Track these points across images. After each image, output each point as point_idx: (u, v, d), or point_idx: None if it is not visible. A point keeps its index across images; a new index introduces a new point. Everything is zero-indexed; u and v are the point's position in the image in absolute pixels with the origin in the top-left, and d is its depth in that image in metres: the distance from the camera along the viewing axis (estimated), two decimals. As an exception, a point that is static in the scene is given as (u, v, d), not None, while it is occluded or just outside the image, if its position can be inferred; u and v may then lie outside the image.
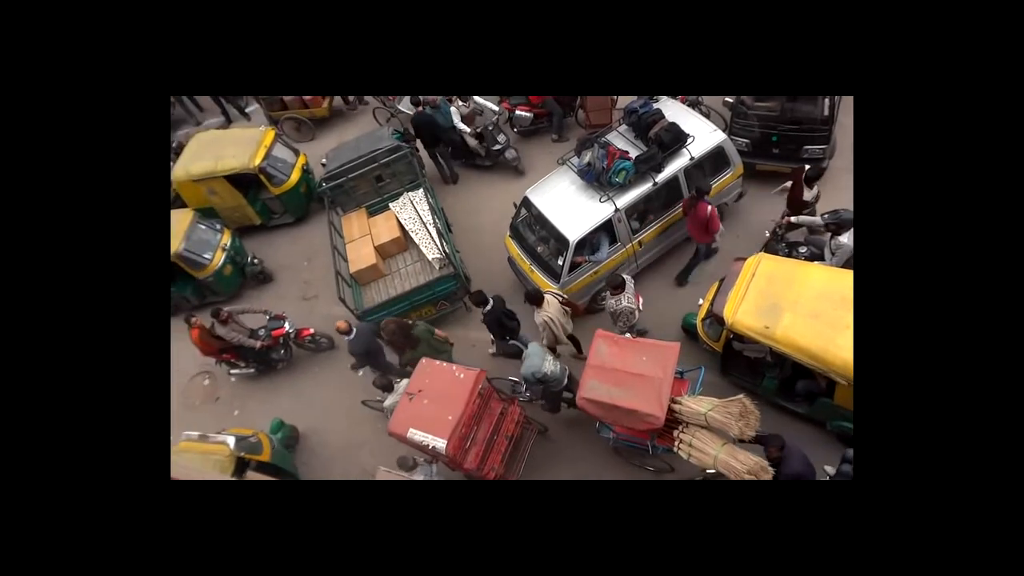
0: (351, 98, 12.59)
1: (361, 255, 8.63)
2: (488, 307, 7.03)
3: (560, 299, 7.01)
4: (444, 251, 8.12)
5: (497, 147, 9.74)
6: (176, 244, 9.17)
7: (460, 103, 9.34)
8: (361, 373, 8.26)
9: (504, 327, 7.25)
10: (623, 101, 9.31)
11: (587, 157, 7.50)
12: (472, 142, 9.77)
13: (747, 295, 6.07)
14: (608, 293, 6.72)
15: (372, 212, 9.32)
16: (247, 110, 13.42)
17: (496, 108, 9.71)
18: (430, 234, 8.47)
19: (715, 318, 6.50)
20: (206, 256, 9.52)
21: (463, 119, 9.46)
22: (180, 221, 9.51)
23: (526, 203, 7.87)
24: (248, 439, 7.19)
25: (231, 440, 6.97)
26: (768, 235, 7.50)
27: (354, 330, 7.40)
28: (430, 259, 8.43)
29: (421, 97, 9.77)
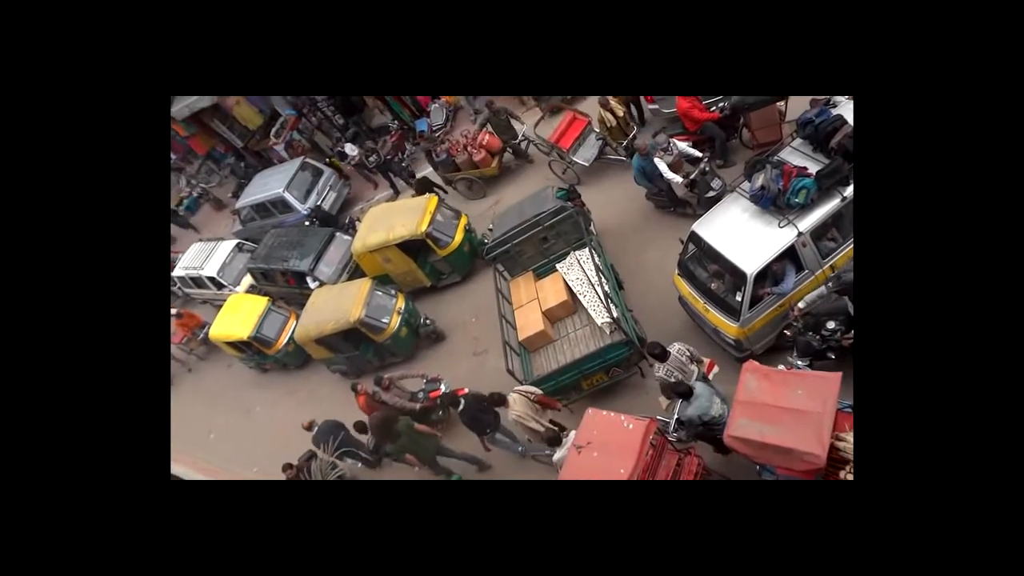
0: (518, 153, 12.96)
1: (529, 321, 8.76)
2: (461, 407, 7.75)
3: (530, 397, 7.45)
4: (613, 315, 7.95)
5: (711, 194, 9.03)
6: (357, 311, 10.14)
7: (662, 152, 9.06)
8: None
9: (481, 422, 7.83)
10: (792, 114, 8.67)
11: (759, 180, 7.05)
12: (682, 191, 9.42)
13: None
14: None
15: (539, 274, 9.49)
16: (412, 180, 14.65)
17: (699, 153, 9.24)
18: (598, 296, 8.34)
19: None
20: (384, 320, 10.39)
21: (670, 167, 9.10)
22: (359, 289, 10.60)
23: (694, 238, 7.55)
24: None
25: (413, 496, 7.33)
26: (788, 334, 6.83)
27: (315, 427, 9.20)
28: (599, 324, 8.33)
29: (634, 145, 9.69)
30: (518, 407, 7.29)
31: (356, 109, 17.04)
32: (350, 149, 15.11)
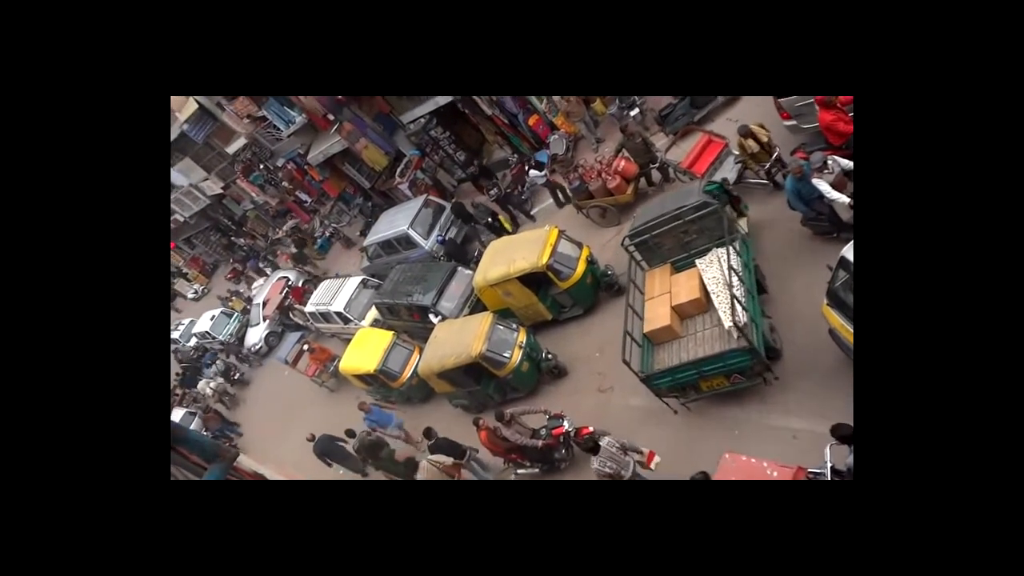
0: (656, 179, 12.60)
1: (657, 314, 8.79)
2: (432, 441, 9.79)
3: (438, 467, 8.62)
4: (737, 320, 7.74)
5: None
6: (479, 346, 10.38)
7: (818, 171, 8.52)
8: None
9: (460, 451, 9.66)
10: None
11: (918, 197, 6.42)
12: (847, 214, 8.75)
13: None
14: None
15: (679, 268, 9.44)
16: (532, 213, 14.91)
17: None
18: (731, 298, 8.07)
19: None
20: (505, 355, 10.55)
21: (832, 186, 8.44)
22: (481, 324, 10.85)
23: (844, 264, 7.00)
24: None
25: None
26: None
27: (316, 438, 11.86)
28: (725, 326, 8.10)
29: (781, 170, 9.28)
30: (424, 476, 8.56)
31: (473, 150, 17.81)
32: (535, 175, 14.70)
